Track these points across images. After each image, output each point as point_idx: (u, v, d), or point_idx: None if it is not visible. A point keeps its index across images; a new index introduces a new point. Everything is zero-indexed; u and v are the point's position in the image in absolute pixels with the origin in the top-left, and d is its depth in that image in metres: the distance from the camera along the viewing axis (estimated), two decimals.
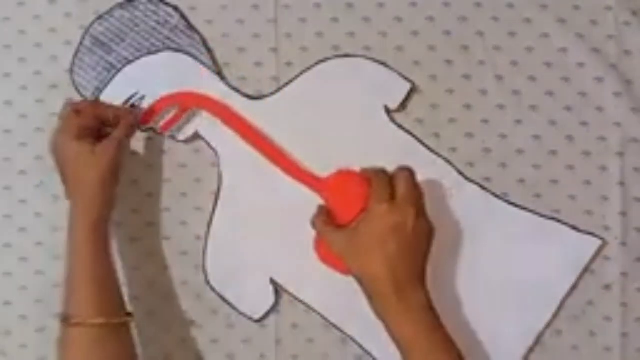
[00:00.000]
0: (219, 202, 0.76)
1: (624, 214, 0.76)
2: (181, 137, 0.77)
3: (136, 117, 0.75)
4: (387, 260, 0.64)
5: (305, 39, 0.78)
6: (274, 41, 0.78)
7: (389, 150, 0.76)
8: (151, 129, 0.77)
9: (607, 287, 0.75)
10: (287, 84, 0.77)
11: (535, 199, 0.76)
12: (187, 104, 0.76)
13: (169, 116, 0.76)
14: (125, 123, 0.72)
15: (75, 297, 0.67)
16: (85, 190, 0.69)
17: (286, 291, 0.76)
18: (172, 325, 0.77)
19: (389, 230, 0.64)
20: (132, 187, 0.78)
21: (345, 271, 0.68)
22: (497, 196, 0.76)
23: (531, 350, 0.75)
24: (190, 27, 0.78)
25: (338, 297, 0.74)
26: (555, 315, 0.75)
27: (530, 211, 0.75)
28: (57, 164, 0.71)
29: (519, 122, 0.77)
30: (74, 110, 0.71)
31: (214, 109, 0.76)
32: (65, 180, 0.71)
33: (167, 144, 0.78)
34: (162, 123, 0.76)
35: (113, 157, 0.70)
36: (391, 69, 0.77)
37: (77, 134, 0.70)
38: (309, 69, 0.77)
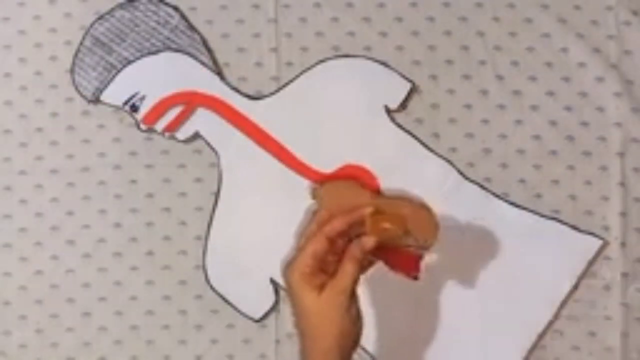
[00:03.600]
0: (219, 202, 0.76)
1: (624, 214, 0.76)
2: (181, 137, 0.77)
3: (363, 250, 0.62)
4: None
5: (305, 39, 0.78)
6: (274, 41, 0.78)
7: (389, 150, 0.76)
8: (151, 129, 0.77)
9: (607, 287, 0.75)
10: (287, 84, 0.77)
11: (536, 199, 0.76)
12: (193, 103, 0.76)
13: (173, 116, 0.76)
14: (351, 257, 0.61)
15: None
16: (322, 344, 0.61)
17: (286, 291, 0.76)
18: (172, 325, 0.77)
19: None
20: (132, 187, 0.78)
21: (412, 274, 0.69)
22: (497, 196, 0.76)
23: (531, 350, 0.75)
24: (191, 27, 0.78)
25: None
26: (556, 316, 0.75)
27: (531, 211, 0.75)
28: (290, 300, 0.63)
29: (519, 122, 0.77)
30: (329, 238, 0.61)
31: (221, 109, 0.76)
32: (295, 315, 0.63)
33: (167, 144, 0.78)
34: (166, 123, 0.76)
35: (344, 309, 0.60)
36: (391, 69, 0.77)
37: (304, 273, 0.60)
38: (309, 69, 0.77)
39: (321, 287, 0.60)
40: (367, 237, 0.62)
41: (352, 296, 0.60)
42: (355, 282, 0.60)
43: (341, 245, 0.63)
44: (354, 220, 0.63)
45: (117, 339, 0.77)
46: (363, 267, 0.61)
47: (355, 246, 0.61)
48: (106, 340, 0.77)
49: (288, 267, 0.61)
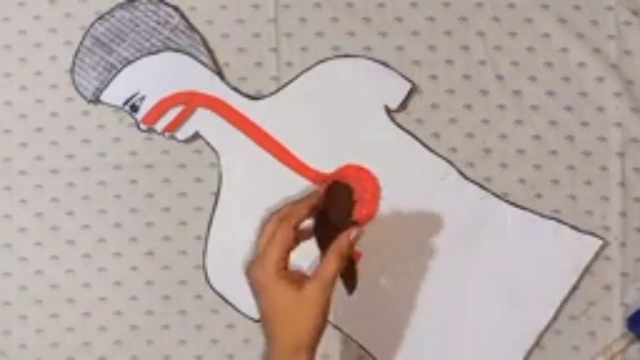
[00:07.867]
0: (219, 202, 0.76)
1: (624, 214, 0.76)
2: (181, 137, 0.77)
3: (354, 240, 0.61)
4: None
5: (305, 39, 0.78)
6: (274, 41, 0.78)
7: (389, 150, 0.76)
8: (151, 129, 0.77)
9: (607, 287, 0.75)
10: (287, 84, 0.77)
11: (536, 199, 0.76)
12: (193, 103, 0.76)
13: (173, 116, 0.76)
14: (337, 250, 0.60)
15: None
16: (292, 336, 0.60)
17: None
18: (172, 325, 0.77)
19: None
20: (132, 187, 0.78)
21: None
22: (497, 196, 0.76)
23: (531, 350, 0.75)
24: (191, 27, 0.78)
25: (338, 297, 0.74)
26: (556, 316, 0.75)
27: (531, 211, 0.75)
28: (254, 294, 0.62)
29: (519, 122, 0.77)
30: (294, 227, 0.61)
31: (221, 109, 0.76)
32: (264, 316, 0.61)
33: (167, 144, 0.78)
34: (166, 123, 0.76)
35: (325, 303, 0.59)
36: (391, 69, 0.77)
37: (280, 268, 0.60)
38: (309, 69, 0.77)
39: (299, 283, 0.59)
40: (353, 228, 0.61)
41: (333, 289, 0.60)
42: (337, 274, 0.60)
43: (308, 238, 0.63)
44: (314, 204, 0.62)
45: (117, 339, 0.77)
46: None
47: (342, 238, 0.60)
48: (106, 340, 0.77)
49: (256, 264, 0.60)
